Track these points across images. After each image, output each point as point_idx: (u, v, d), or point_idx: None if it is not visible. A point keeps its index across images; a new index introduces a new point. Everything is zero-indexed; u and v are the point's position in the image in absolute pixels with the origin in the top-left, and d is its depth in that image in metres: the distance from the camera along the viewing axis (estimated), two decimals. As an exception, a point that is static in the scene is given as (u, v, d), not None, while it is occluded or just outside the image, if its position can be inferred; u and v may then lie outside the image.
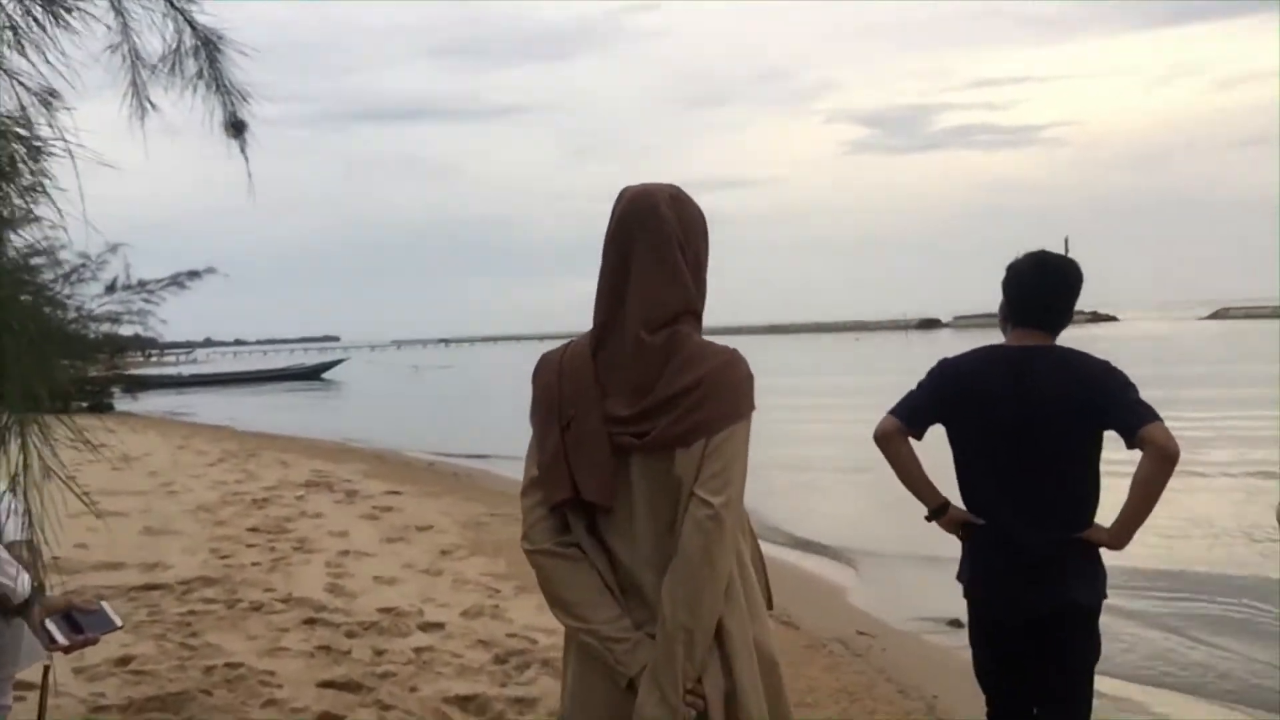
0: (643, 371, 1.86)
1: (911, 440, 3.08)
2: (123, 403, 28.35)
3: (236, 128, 4.02)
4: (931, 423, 3.08)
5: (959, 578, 3.16)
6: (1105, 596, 2.99)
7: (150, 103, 3.87)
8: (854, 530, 9.63)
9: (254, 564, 7.18)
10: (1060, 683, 2.99)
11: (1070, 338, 3.10)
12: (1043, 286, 3.03)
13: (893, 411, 3.09)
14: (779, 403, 23.65)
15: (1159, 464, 2.78)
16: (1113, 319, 76.80)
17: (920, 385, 3.13)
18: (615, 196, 1.97)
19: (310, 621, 5.73)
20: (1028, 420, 2.90)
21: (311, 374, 51.58)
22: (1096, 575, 2.97)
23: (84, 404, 26.47)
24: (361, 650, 5.23)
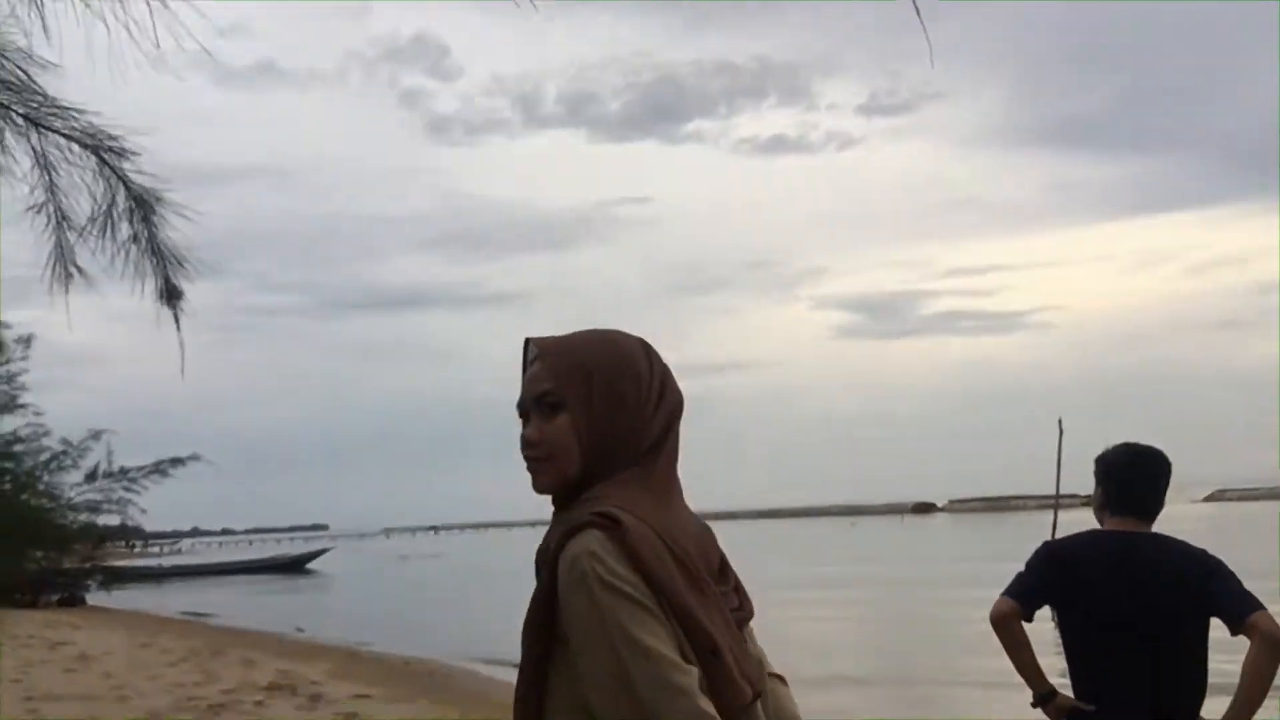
0: (712, 542, 1.62)
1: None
2: (96, 596, 27.36)
3: (170, 295, 3.67)
4: (1042, 605, 3.12)
5: None
6: None
7: (77, 267, 3.57)
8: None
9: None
10: None
11: (1067, 522, 2.92)
12: (1140, 475, 3.14)
13: (1006, 593, 3.12)
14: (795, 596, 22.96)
15: (1268, 652, 2.81)
16: (1109, 502, 75.90)
17: (1028, 566, 3.17)
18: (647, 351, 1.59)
19: None
20: (1136, 608, 2.96)
21: (295, 565, 50.33)
22: None
23: (55, 597, 25.60)
24: None
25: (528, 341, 1.57)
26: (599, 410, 1.49)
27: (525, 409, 1.53)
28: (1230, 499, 71.53)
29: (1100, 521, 3.20)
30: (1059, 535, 3.36)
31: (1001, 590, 3.14)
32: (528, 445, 1.50)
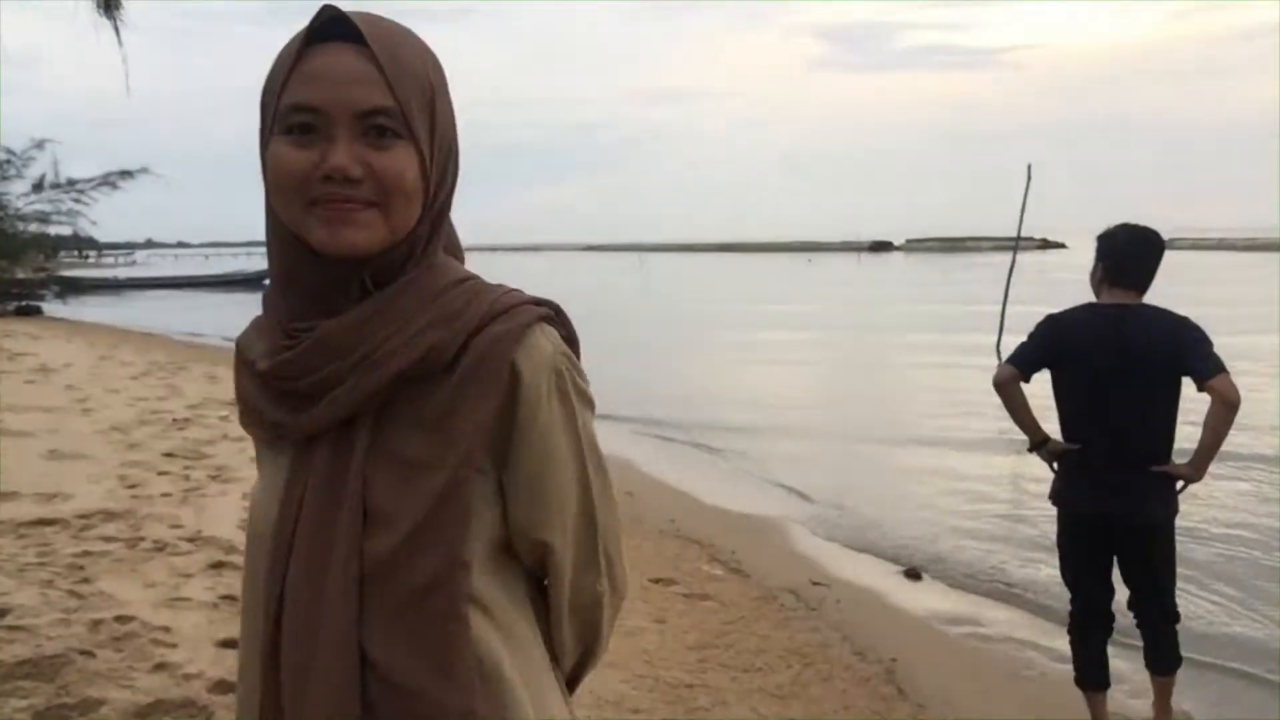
0: None
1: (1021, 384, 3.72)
2: (53, 306, 27.24)
3: (108, 4, 3.31)
4: (1040, 369, 3.73)
5: (1051, 498, 3.83)
6: (1177, 511, 3.68)
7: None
8: (808, 472, 9.29)
9: (164, 495, 6.64)
10: (1146, 580, 3.73)
11: (1025, 263, 2.97)
12: (1138, 254, 3.63)
13: (1009, 360, 3.76)
14: (739, 336, 23.30)
15: (1223, 410, 3.44)
16: (1062, 246, 77.22)
17: (1031, 337, 3.75)
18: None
19: (218, 565, 5.23)
20: (1125, 365, 3.54)
21: (254, 281, 50.25)
22: (1169, 496, 3.64)
23: (10, 307, 25.48)
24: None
25: (331, 11, 1.08)
26: (439, 153, 1.11)
27: (321, 120, 1.05)
28: (1180, 248, 72.95)
29: (1097, 294, 3.71)
30: (1013, 278, 4.48)
31: (1005, 358, 3.80)
32: (347, 181, 1.04)
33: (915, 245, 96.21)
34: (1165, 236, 3.79)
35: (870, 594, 5.87)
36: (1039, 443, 3.79)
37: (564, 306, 1.18)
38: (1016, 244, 19.23)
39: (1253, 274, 38.85)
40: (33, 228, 26.29)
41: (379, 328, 1.08)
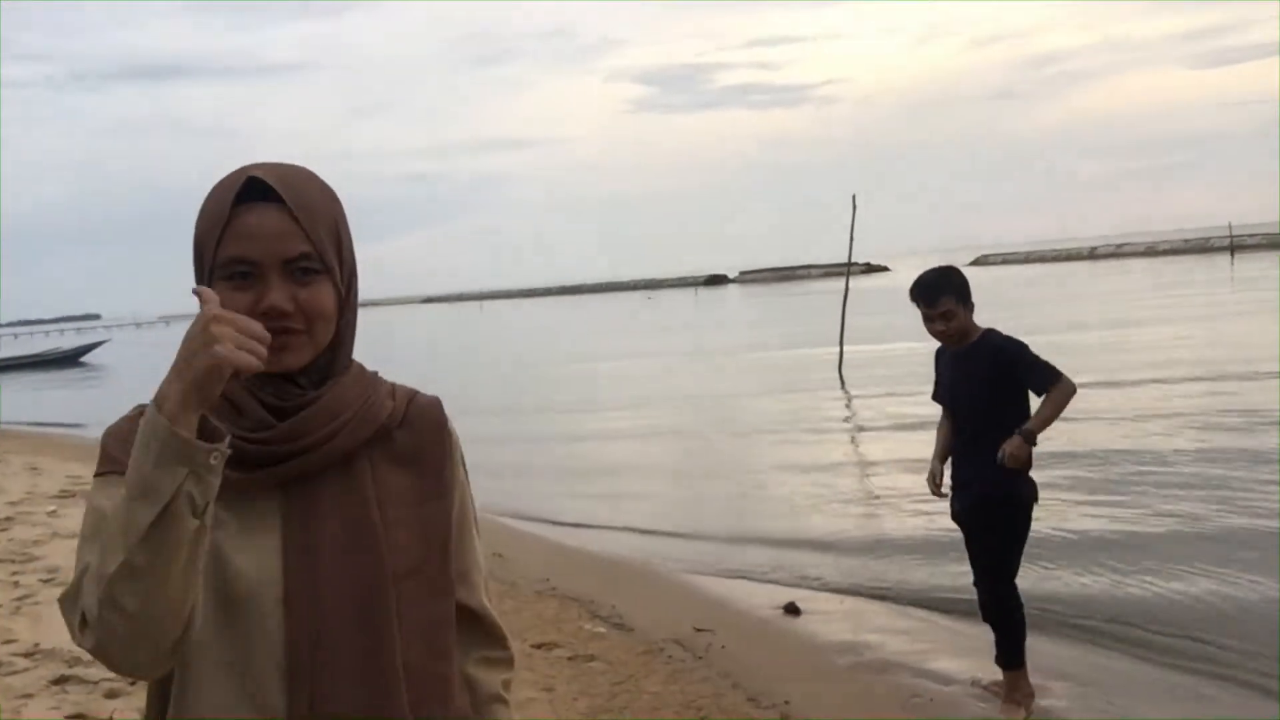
0: None
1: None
2: None
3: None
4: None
5: (1029, 496, 4.38)
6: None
7: None
8: (662, 506, 9.30)
9: (-10, 606, 6.08)
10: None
11: (857, 288, 3.06)
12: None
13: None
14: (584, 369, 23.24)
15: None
16: (885, 269, 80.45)
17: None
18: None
19: (61, 680, 4.80)
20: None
21: (70, 358, 47.49)
22: None
23: None
24: (128, 714, 4.38)
25: (253, 181, 1.30)
26: (346, 278, 1.36)
27: (256, 269, 1.28)
28: (992, 263, 77.10)
29: (970, 327, 4.40)
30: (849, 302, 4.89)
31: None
32: (281, 316, 1.27)
33: (749, 277, 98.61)
34: (978, 253, 4.19)
35: (753, 635, 5.85)
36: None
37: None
38: (848, 270, 19.90)
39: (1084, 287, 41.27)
40: None
41: (349, 401, 1.35)
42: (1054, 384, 4.20)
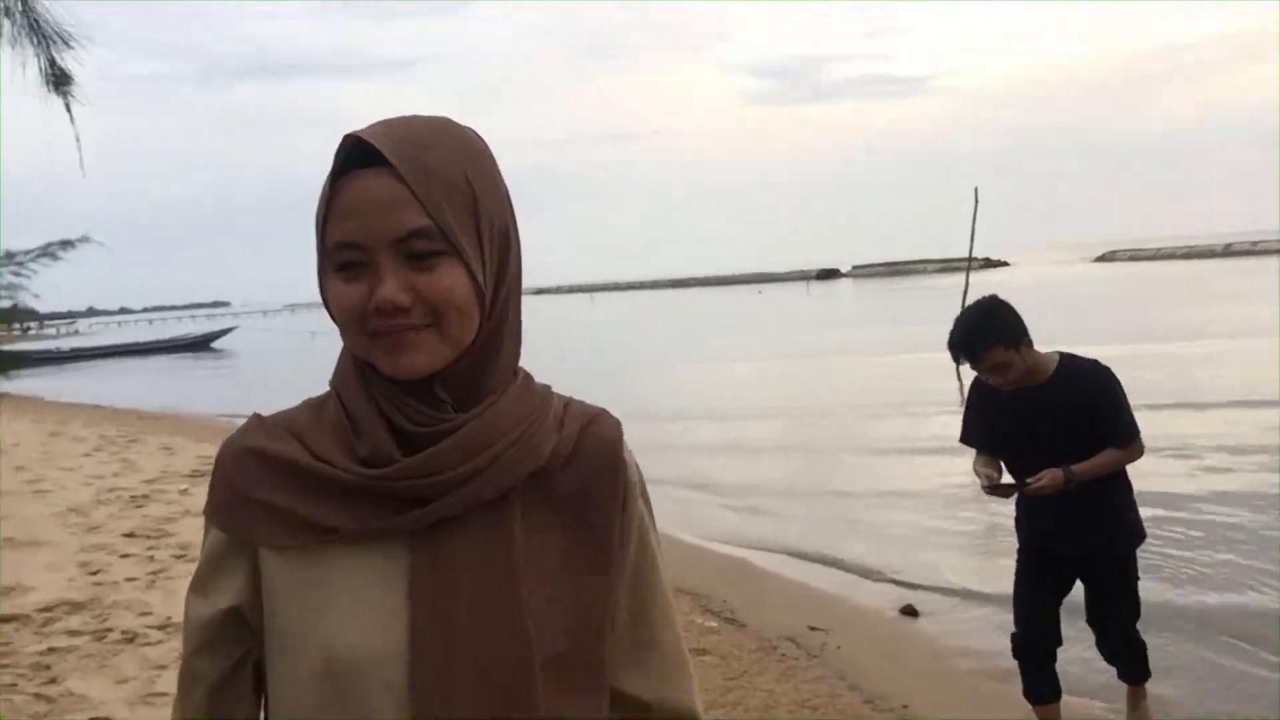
0: None
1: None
2: (-6, 383, 26.51)
3: (58, 80, 3.13)
4: None
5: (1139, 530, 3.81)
6: None
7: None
8: (780, 504, 9.18)
9: (129, 580, 6.36)
10: None
11: (977, 284, 2.90)
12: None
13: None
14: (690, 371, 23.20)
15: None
16: (1004, 264, 78.31)
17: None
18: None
19: (193, 654, 4.97)
20: None
21: (201, 344, 49.48)
22: None
23: (-50, 386, 24.81)
24: (254, 688, 4.51)
25: (354, 140, 1.04)
26: (493, 259, 1.08)
27: (364, 253, 1.02)
28: (1120, 259, 74.41)
29: (1038, 362, 3.62)
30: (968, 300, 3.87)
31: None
32: (395, 313, 1.02)
33: (862, 271, 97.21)
34: (1104, 249, 3.78)
35: (870, 636, 5.73)
36: None
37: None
38: (969, 265, 19.44)
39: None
40: (-30, 303, 25.65)
41: (503, 430, 1.07)
42: (1128, 443, 3.61)
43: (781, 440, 12.78)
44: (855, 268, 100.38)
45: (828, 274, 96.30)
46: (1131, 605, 3.87)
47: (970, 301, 3.81)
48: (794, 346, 25.14)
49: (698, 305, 59.90)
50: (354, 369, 1.09)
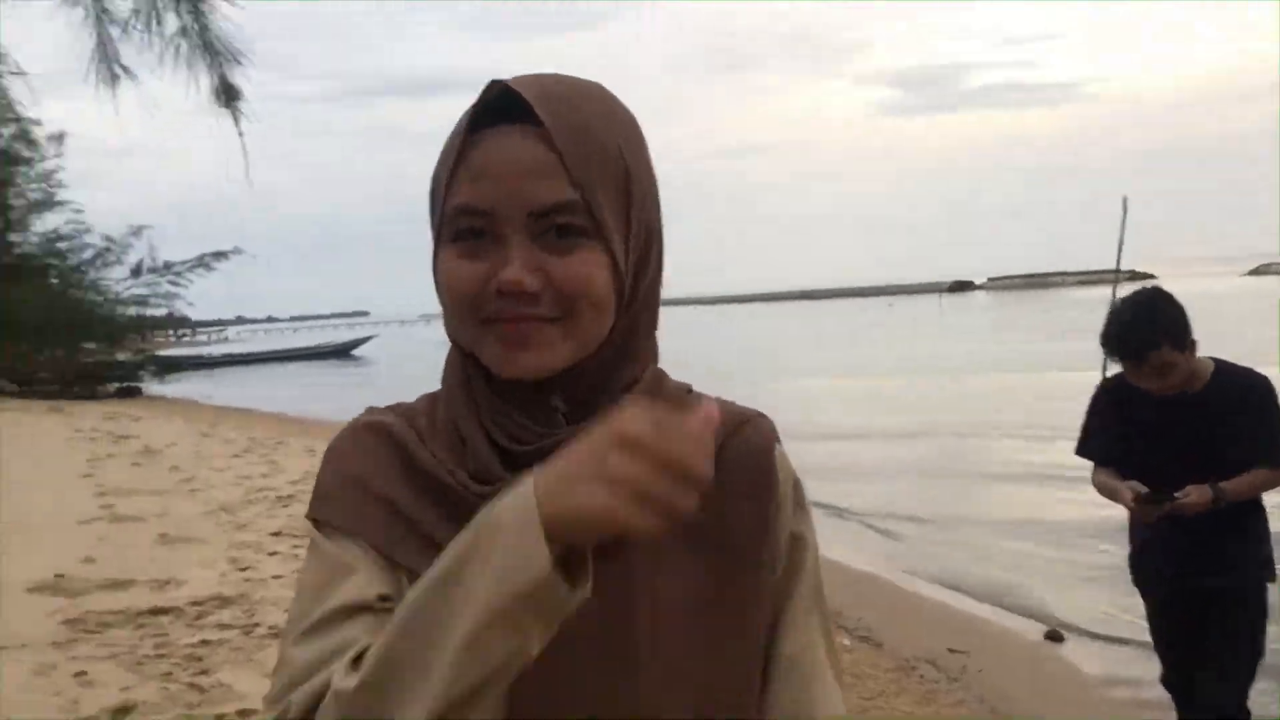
0: None
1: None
2: (151, 386, 27.98)
3: (228, 95, 3.24)
4: None
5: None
6: None
7: (122, 67, 3.15)
8: (915, 523, 8.94)
9: (275, 577, 6.57)
10: None
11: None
12: None
13: None
14: (815, 384, 22.91)
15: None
16: (1151, 276, 75.20)
17: None
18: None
19: (336, 651, 5.10)
20: None
21: (342, 351, 51.30)
22: None
23: (111, 388, 26.23)
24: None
25: (499, 86, 0.88)
26: (638, 247, 0.91)
27: (491, 223, 0.86)
28: (1273, 272, 70.57)
29: (1197, 368, 3.26)
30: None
31: None
32: (521, 298, 0.85)
33: (998, 283, 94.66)
34: (1257, 261, 3.40)
35: (1014, 660, 5.53)
36: None
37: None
38: (1117, 277, 18.64)
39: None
40: (131, 311, 27.13)
41: None
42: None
43: (913, 461, 12.47)
44: (991, 280, 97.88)
45: (961, 286, 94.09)
46: (1255, 649, 3.33)
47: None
48: (926, 362, 24.57)
49: (826, 318, 59.21)
50: (459, 368, 0.94)
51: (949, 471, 11.42)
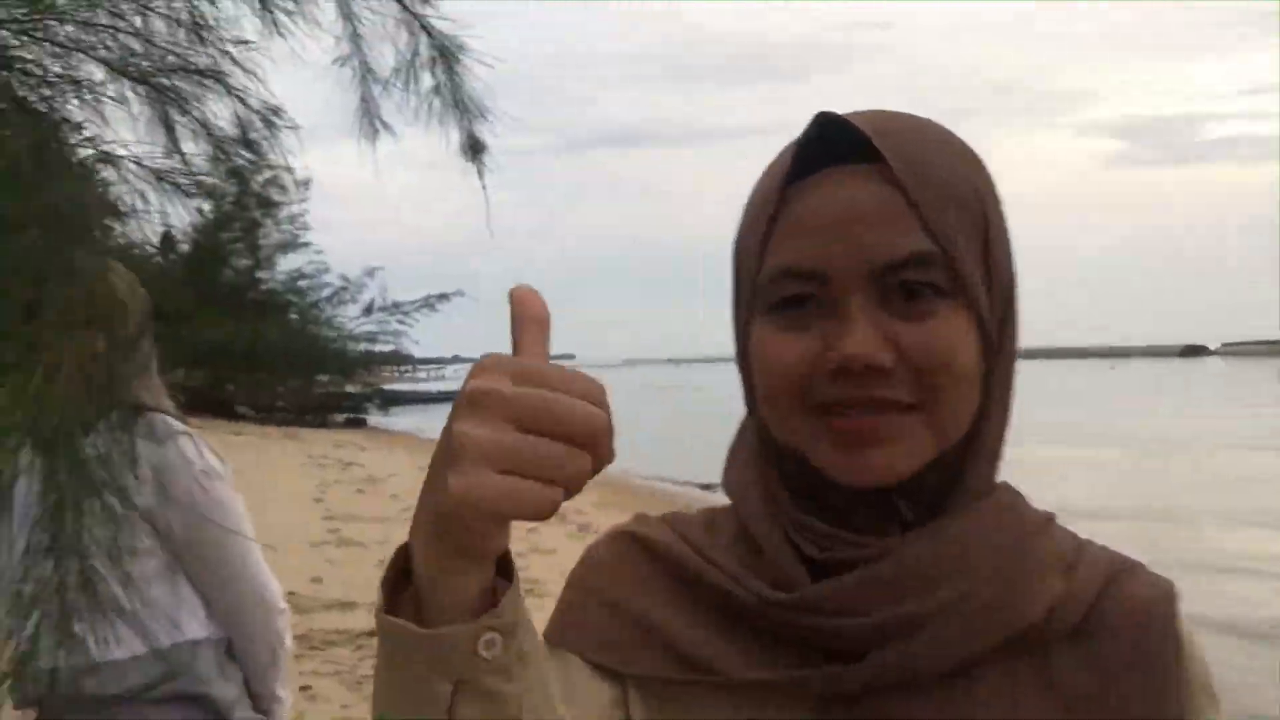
0: None
1: None
2: (375, 418, 29.71)
3: (474, 149, 3.50)
4: None
5: None
6: None
7: (382, 122, 3.43)
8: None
9: (484, 610, 6.83)
10: None
11: None
12: None
13: None
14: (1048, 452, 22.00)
15: None
16: None
17: None
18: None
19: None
20: None
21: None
22: None
23: (340, 418, 28.04)
24: None
25: (826, 120, 0.73)
26: (999, 309, 0.74)
27: (824, 288, 0.70)
28: None
29: None
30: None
31: None
32: (869, 375, 0.69)
33: (1234, 349, 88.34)
34: None
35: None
36: None
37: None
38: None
39: None
40: (361, 346, 28.95)
41: (983, 556, 0.71)
42: None
43: (1146, 545, 11.72)
44: (1226, 345, 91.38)
45: (1193, 350, 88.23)
46: None
47: None
48: (1152, 432, 23.10)
49: (1043, 379, 56.67)
50: (755, 465, 0.78)
51: (1164, 566, 10.68)
